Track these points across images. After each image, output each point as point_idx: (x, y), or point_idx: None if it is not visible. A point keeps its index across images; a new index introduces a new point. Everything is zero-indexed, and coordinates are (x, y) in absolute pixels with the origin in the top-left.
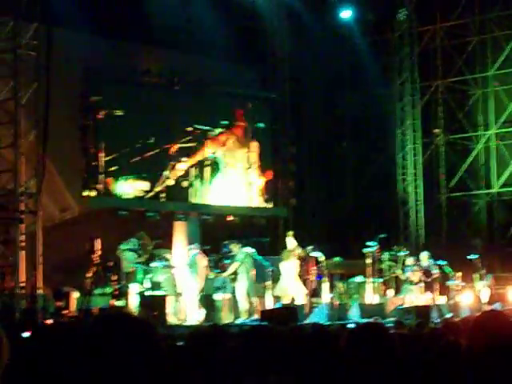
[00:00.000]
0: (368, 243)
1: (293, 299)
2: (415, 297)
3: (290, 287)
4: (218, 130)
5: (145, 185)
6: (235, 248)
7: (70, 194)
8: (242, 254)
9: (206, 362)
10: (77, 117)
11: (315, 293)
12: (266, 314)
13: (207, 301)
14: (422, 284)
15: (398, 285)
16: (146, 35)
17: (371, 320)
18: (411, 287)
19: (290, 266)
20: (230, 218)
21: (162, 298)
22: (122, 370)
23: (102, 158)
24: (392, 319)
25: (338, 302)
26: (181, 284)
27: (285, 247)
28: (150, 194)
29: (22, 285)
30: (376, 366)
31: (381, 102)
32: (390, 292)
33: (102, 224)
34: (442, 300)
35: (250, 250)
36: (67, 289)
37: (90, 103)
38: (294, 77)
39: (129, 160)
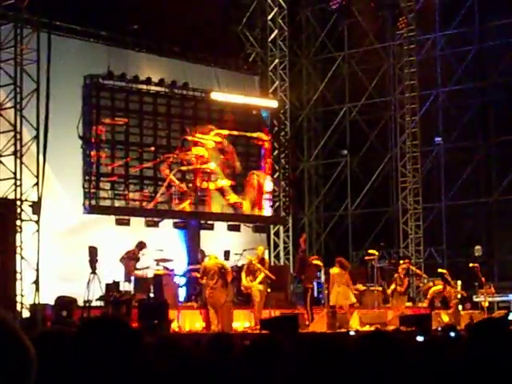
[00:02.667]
0: (368, 251)
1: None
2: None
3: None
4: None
5: (145, 193)
6: (260, 251)
7: (71, 202)
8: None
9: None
10: (77, 125)
11: (316, 301)
12: (266, 323)
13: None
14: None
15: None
16: (147, 43)
17: (372, 328)
18: (400, 296)
19: (340, 274)
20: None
21: (163, 307)
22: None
23: (103, 166)
24: (392, 327)
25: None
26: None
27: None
28: (151, 202)
29: (22, 294)
30: (382, 376)
31: (381, 111)
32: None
33: (103, 232)
34: (442, 308)
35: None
36: (69, 298)
37: (91, 111)
38: (294, 85)
39: (130, 168)
